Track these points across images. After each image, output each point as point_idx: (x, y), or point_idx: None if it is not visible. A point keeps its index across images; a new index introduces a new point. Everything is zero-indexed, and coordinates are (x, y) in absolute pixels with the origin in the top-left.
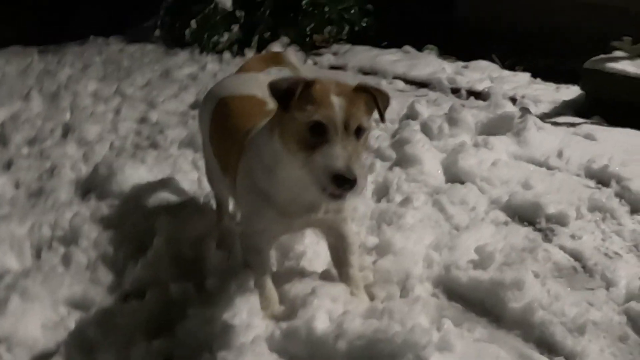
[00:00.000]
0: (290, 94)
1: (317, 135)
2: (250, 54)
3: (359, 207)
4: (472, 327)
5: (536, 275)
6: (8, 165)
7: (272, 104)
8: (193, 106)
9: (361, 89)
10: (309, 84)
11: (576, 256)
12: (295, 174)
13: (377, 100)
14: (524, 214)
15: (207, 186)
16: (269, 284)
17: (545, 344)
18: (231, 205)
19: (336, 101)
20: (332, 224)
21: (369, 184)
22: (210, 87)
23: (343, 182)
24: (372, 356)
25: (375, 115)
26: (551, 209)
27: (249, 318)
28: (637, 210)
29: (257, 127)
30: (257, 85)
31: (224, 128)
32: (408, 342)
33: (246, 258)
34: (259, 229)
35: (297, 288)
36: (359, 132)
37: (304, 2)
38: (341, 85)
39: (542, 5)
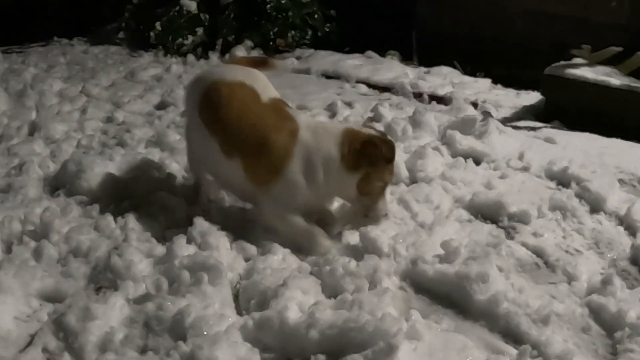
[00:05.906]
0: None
1: None
2: (214, 57)
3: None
4: (439, 318)
5: (500, 270)
6: None
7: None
8: (158, 107)
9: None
10: None
11: (538, 253)
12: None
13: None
14: (487, 213)
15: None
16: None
17: (511, 334)
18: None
19: None
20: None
21: None
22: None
23: None
24: (344, 345)
25: None
26: (513, 208)
27: (222, 309)
28: (596, 210)
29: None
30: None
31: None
32: (379, 330)
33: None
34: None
35: (268, 280)
36: None
37: (268, 7)
38: None
39: (502, 13)
